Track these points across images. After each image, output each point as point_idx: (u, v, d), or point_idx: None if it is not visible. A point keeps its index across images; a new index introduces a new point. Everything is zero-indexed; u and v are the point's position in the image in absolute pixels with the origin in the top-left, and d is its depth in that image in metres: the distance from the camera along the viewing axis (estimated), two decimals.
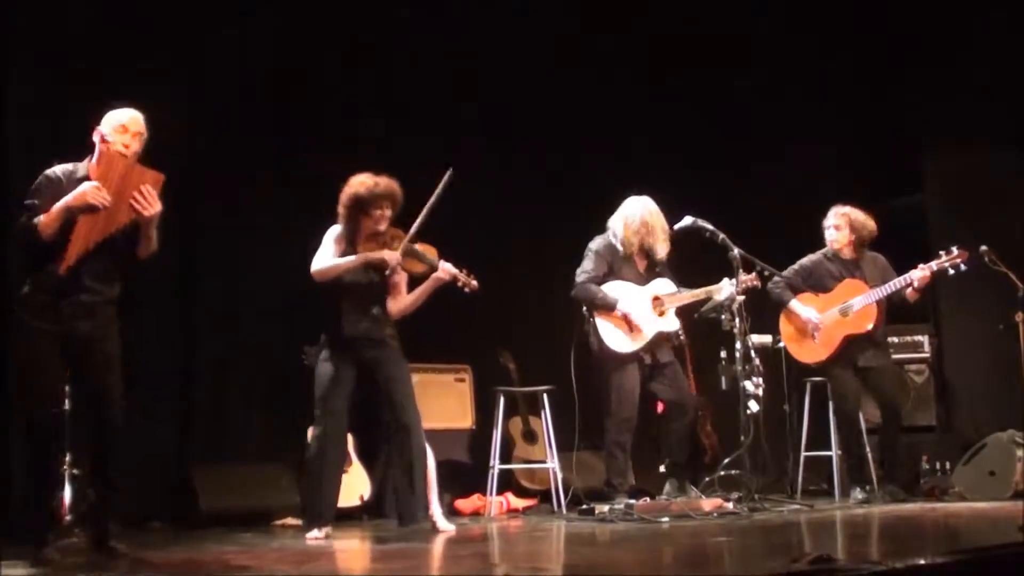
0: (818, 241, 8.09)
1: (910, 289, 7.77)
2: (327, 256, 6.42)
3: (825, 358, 7.86)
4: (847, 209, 7.96)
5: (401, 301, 6.58)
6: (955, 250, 7.65)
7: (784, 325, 8.02)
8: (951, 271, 7.67)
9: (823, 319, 7.83)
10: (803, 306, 7.90)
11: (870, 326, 7.83)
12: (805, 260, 8.08)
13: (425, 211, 6.39)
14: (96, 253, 5.40)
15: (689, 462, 8.07)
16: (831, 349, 7.84)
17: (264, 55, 8.32)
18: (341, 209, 6.45)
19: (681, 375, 7.71)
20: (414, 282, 6.63)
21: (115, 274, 5.55)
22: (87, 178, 5.42)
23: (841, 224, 7.94)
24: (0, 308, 6.03)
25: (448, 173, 6.41)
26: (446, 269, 6.48)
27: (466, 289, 6.55)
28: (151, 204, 5.41)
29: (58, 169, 5.48)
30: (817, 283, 7.98)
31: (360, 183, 6.40)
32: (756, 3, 9.69)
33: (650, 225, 7.54)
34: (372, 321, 6.46)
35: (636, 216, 7.56)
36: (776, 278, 7.94)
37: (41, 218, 5.31)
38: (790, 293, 7.93)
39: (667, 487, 7.56)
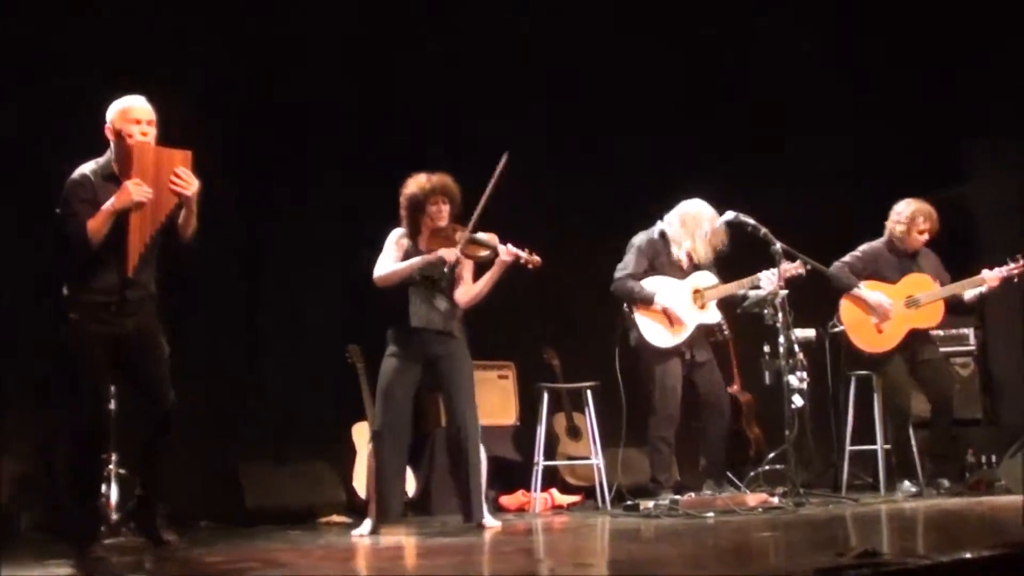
0: (855, 232, 8.05)
1: (978, 292, 7.77)
2: (388, 261, 6.51)
3: (889, 349, 7.81)
4: (929, 208, 7.89)
5: (469, 290, 6.63)
6: (1021, 259, 7.63)
7: (848, 311, 7.91)
8: (1017, 280, 7.67)
9: (893, 305, 7.79)
10: (871, 291, 7.83)
11: (936, 323, 7.84)
12: (867, 247, 7.99)
13: (483, 200, 6.44)
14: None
15: (734, 457, 8.07)
16: (895, 341, 7.79)
17: (330, 53, 8.48)
18: (401, 212, 6.57)
19: (717, 374, 7.67)
20: (480, 271, 6.66)
21: (152, 269, 5.57)
22: (115, 175, 5.43)
23: (927, 228, 7.86)
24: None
25: (504, 158, 6.43)
26: (509, 251, 6.51)
27: (529, 266, 6.56)
28: (189, 182, 5.42)
29: (85, 170, 5.47)
30: (877, 272, 7.91)
31: (413, 182, 6.53)
32: None
33: (710, 233, 7.52)
34: (440, 314, 6.52)
35: (698, 219, 7.52)
36: (837, 263, 7.88)
37: (89, 224, 5.32)
38: (855, 279, 7.87)
39: (705, 487, 7.53)
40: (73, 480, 5.66)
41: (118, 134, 5.47)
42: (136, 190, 5.32)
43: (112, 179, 5.43)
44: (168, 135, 5.59)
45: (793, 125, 9.38)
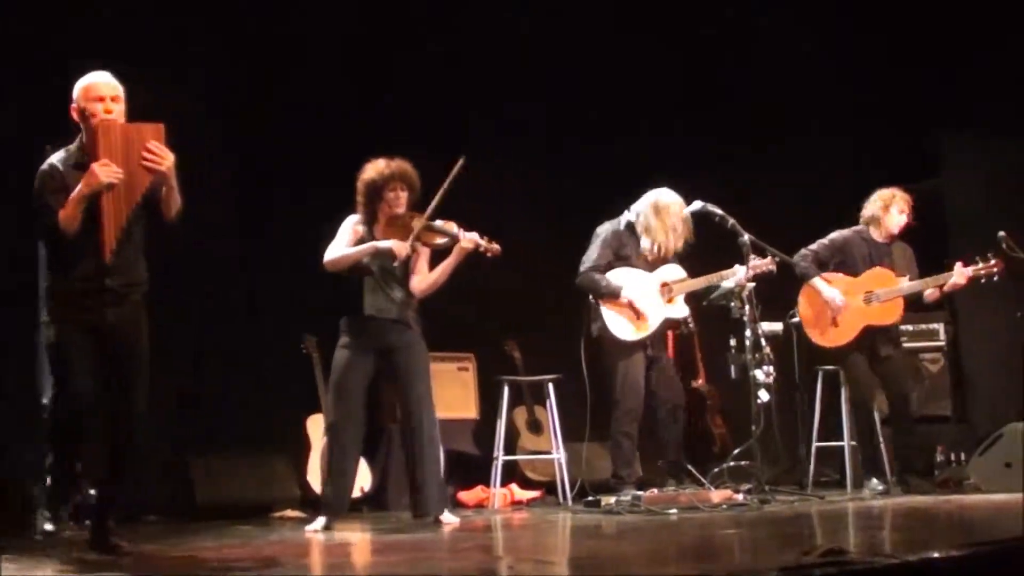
0: (831, 226, 7.95)
1: (937, 290, 7.66)
2: (340, 245, 6.40)
3: (842, 344, 7.72)
4: (904, 194, 7.81)
5: (426, 279, 6.53)
6: (991, 259, 7.54)
7: (803, 303, 7.83)
8: (983, 280, 7.57)
9: (846, 303, 7.67)
10: (827, 285, 7.71)
11: (894, 320, 7.73)
12: (836, 235, 7.87)
13: (439, 194, 6.34)
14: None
15: (697, 452, 8.03)
16: (850, 336, 7.69)
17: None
18: (358, 197, 6.45)
19: (672, 372, 7.59)
20: (437, 258, 6.57)
21: (137, 254, 5.33)
22: (83, 160, 5.19)
23: (906, 209, 7.77)
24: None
25: (460, 162, 6.35)
26: (468, 238, 6.41)
27: (488, 255, 6.48)
28: (164, 157, 5.13)
29: (53, 159, 5.24)
30: (846, 262, 7.80)
31: (371, 167, 6.43)
32: None
33: (680, 227, 7.40)
34: (395, 303, 6.42)
35: (668, 211, 7.40)
36: (803, 250, 7.78)
37: (60, 214, 5.10)
38: (816, 269, 7.74)
39: (667, 485, 7.42)
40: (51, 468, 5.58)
41: (82, 114, 5.23)
42: (103, 171, 5.05)
43: (83, 164, 5.18)
44: (168, 135, 5.33)
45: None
